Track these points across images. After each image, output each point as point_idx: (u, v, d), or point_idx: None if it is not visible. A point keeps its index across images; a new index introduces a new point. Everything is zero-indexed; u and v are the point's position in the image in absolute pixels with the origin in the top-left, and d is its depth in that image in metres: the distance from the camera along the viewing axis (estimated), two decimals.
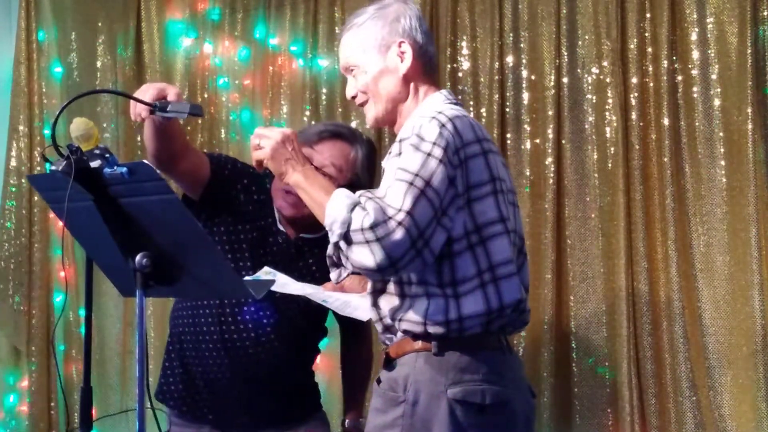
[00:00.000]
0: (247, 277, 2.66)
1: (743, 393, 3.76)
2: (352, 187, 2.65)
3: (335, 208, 2.18)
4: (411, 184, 2.14)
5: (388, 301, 2.30)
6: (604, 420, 3.90)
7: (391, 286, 2.29)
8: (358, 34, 2.41)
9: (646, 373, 3.86)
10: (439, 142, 2.18)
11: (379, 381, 2.33)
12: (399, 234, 2.10)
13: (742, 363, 3.77)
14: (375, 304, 2.33)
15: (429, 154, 2.17)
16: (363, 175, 2.84)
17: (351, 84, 2.45)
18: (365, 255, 2.11)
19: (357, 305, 2.45)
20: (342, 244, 2.15)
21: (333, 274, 2.35)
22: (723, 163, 3.84)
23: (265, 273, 2.57)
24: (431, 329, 2.22)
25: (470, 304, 2.22)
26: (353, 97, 2.46)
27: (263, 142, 2.37)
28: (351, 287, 2.57)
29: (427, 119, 2.22)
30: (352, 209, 2.15)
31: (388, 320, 2.30)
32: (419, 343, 2.26)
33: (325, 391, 4.12)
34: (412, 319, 2.24)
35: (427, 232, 2.13)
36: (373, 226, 2.10)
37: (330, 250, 2.23)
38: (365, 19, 2.42)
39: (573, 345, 3.96)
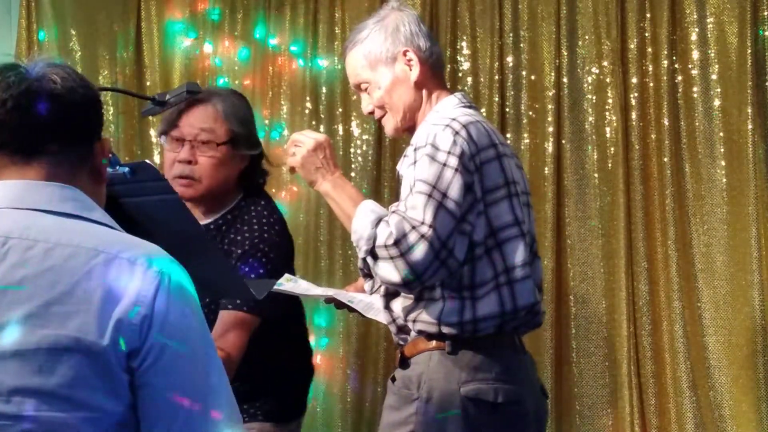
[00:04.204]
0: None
1: (743, 393, 3.76)
2: (234, 140, 2.68)
3: (361, 224, 2.21)
4: (429, 196, 2.16)
5: (402, 303, 2.31)
6: (604, 420, 3.91)
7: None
8: (363, 50, 2.43)
9: (646, 373, 3.86)
10: (453, 151, 2.19)
11: (393, 379, 2.35)
12: (421, 247, 2.13)
13: (743, 363, 3.78)
14: (387, 307, 2.35)
15: (444, 164, 2.19)
16: (237, 126, 2.71)
17: (366, 100, 2.47)
18: (390, 271, 2.15)
19: (380, 308, 2.46)
20: (369, 259, 2.19)
21: (366, 285, 2.38)
22: (723, 163, 3.85)
23: (287, 280, 2.55)
24: (445, 329, 2.24)
25: (485, 306, 2.23)
26: (370, 113, 2.47)
27: (296, 149, 2.39)
28: None
29: (440, 127, 2.24)
30: (377, 224, 2.18)
31: (401, 321, 2.32)
32: (433, 343, 2.28)
33: (324, 391, 4.14)
34: (426, 320, 2.26)
35: (450, 242, 2.16)
36: (396, 242, 2.13)
37: (360, 263, 2.27)
38: (367, 34, 2.43)
39: (573, 345, 3.96)
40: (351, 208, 2.29)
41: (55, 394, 1.41)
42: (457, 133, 2.22)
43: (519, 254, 2.27)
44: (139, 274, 1.46)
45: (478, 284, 2.24)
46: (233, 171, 2.74)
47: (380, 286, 2.34)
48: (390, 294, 2.34)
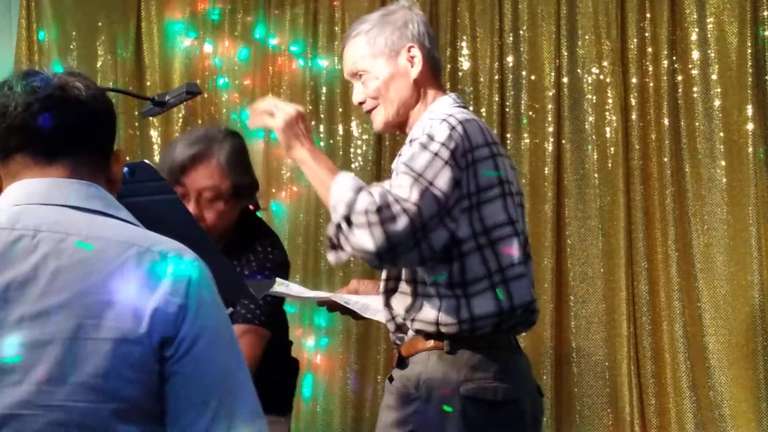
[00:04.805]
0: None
1: (743, 393, 3.76)
2: (238, 192, 2.71)
3: (341, 189, 2.18)
4: (416, 179, 2.15)
5: (401, 301, 2.30)
6: (604, 420, 3.91)
7: (404, 286, 2.30)
8: (367, 40, 2.41)
9: (647, 372, 3.87)
10: (447, 144, 2.19)
11: (391, 379, 2.34)
12: (402, 220, 2.10)
13: (743, 363, 3.78)
14: (387, 304, 2.34)
15: (436, 154, 2.18)
16: (239, 178, 2.74)
17: (359, 90, 2.45)
18: (365, 238, 2.11)
19: (375, 309, 2.45)
20: (344, 224, 2.15)
21: (331, 257, 2.28)
22: (723, 163, 3.85)
23: (279, 284, 2.56)
24: (444, 329, 2.24)
25: (481, 304, 2.23)
26: (361, 103, 2.46)
27: (277, 112, 2.36)
28: (365, 291, 2.58)
29: (437, 121, 2.24)
30: (359, 191, 2.15)
31: (400, 319, 2.32)
32: (431, 342, 2.27)
33: (324, 391, 4.14)
34: (424, 319, 2.26)
35: (430, 225, 2.14)
36: (378, 209, 2.10)
37: (330, 230, 2.21)
38: (372, 26, 2.42)
39: (573, 345, 3.96)
40: (329, 176, 2.26)
41: (86, 384, 1.43)
42: (453, 127, 2.22)
43: (513, 253, 2.26)
44: (172, 266, 1.50)
45: (470, 281, 2.23)
46: (236, 215, 2.79)
47: (346, 259, 2.27)
48: (389, 290, 2.33)
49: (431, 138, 2.20)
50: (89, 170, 1.60)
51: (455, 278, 2.23)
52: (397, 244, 2.10)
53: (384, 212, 2.10)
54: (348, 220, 2.13)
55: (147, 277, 1.48)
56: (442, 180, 2.16)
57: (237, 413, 1.50)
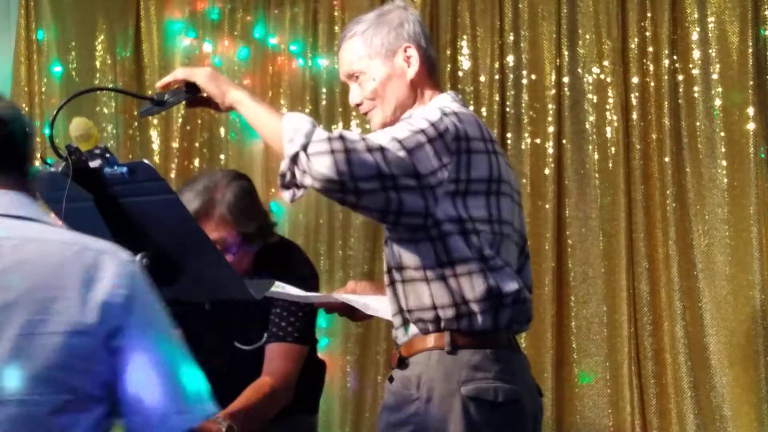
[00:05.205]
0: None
1: (744, 393, 3.76)
2: (247, 238, 2.70)
3: (296, 121, 2.14)
4: (393, 140, 2.13)
5: (400, 292, 2.28)
6: (605, 421, 3.90)
7: (397, 274, 2.28)
8: (363, 40, 2.40)
9: (647, 373, 3.86)
10: (437, 125, 2.17)
11: (391, 379, 2.33)
12: (368, 156, 2.07)
13: (744, 363, 3.77)
14: (395, 294, 2.31)
15: (423, 131, 2.16)
16: (246, 226, 2.71)
17: (355, 91, 2.43)
18: (327, 163, 2.06)
19: (376, 308, 2.45)
20: (301, 155, 2.09)
21: (286, 195, 2.21)
22: (724, 162, 3.84)
23: (276, 286, 2.55)
24: (441, 313, 2.22)
25: (471, 286, 2.21)
26: (358, 105, 2.44)
27: (196, 70, 2.38)
28: (363, 292, 2.57)
29: (432, 109, 2.24)
30: (316, 125, 2.13)
31: (406, 314, 2.30)
32: (432, 342, 2.25)
33: (324, 391, 4.12)
34: (420, 306, 2.24)
35: (401, 181, 2.11)
36: (341, 137, 2.07)
37: (284, 166, 2.15)
38: (368, 26, 2.40)
39: (574, 345, 3.96)
40: (275, 113, 2.23)
41: (39, 377, 1.49)
42: (446, 114, 2.21)
43: (491, 247, 2.24)
44: (110, 261, 1.58)
45: (456, 261, 2.21)
46: (250, 257, 2.77)
47: (301, 196, 2.20)
48: (394, 282, 2.31)
49: (421, 117, 2.20)
50: (14, 185, 1.66)
51: (441, 257, 2.21)
52: (362, 177, 2.07)
53: (348, 141, 2.06)
54: (306, 149, 2.09)
55: (91, 272, 1.55)
56: (422, 152, 2.13)
57: (186, 397, 1.58)
